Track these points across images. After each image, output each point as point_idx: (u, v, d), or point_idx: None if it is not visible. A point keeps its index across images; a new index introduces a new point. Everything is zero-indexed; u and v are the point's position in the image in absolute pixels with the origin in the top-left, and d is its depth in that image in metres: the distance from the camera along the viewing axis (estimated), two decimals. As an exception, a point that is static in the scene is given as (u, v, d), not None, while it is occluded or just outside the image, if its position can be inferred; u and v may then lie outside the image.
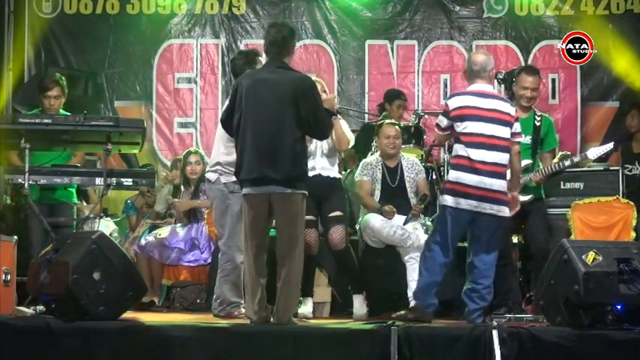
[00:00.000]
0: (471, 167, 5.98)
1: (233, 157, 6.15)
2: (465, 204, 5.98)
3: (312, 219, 6.50)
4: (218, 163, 6.45)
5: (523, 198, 6.63)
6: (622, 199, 7.36)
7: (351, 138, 6.73)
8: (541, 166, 6.88)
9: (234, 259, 6.36)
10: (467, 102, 6.10)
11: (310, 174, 6.44)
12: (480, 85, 6.20)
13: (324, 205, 6.63)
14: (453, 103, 6.13)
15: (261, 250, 5.83)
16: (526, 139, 6.72)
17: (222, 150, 6.45)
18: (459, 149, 6.06)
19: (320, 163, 6.65)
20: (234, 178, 6.25)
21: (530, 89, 6.87)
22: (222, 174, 6.41)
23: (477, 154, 5.97)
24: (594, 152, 7.02)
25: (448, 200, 6.04)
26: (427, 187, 7.43)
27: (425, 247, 6.20)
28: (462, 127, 6.04)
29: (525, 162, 6.71)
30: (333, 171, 6.72)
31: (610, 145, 7.06)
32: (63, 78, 7.27)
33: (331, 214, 6.61)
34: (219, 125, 6.30)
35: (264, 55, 6.13)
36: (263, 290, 5.79)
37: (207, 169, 6.66)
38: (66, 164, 7.00)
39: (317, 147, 6.65)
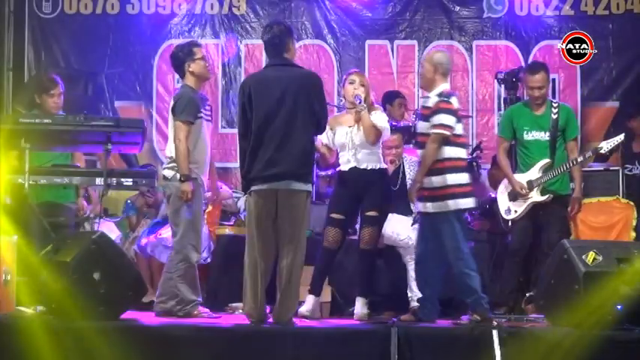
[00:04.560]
0: (467, 167, 6.15)
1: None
2: (472, 202, 6.08)
3: (339, 217, 6.50)
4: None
5: (541, 198, 6.64)
6: (622, 199, 7.36)
7: (385, 129, 6.52)
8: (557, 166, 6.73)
9: (188, 258, 6.31)
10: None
11: (345, 167, 6.54)
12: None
13: (364, 200, 6.51)
14: (456, 103, 6.13)
15: (268, 255, 5.82)
16: (545, 136, 6.72)
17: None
18: (459, 152, 6.09)
19: (355, 156, 6.54)
20: (192, 176, 6.26)
21: (536, 88, 6.82)
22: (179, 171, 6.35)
23: (465, 154, 6.16)
24: (606, 145, 6.89)
25: (469, 202, 6.05)
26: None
27: (460, 257, 6.02)
28: (458, 128, 6.09)
29: (544, 161, 6.70)
30: (371, 163, 6.54)
31: (621, 137, 6.93)
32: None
33: (367, 213, 6.51)
34: (171, 122, 6.38)
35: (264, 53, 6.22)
36: (264, 290, 5.82)
37: (164, 166, 6.57)
38: (66, 164, 7.00)
39: (348, 140, 6.56)
